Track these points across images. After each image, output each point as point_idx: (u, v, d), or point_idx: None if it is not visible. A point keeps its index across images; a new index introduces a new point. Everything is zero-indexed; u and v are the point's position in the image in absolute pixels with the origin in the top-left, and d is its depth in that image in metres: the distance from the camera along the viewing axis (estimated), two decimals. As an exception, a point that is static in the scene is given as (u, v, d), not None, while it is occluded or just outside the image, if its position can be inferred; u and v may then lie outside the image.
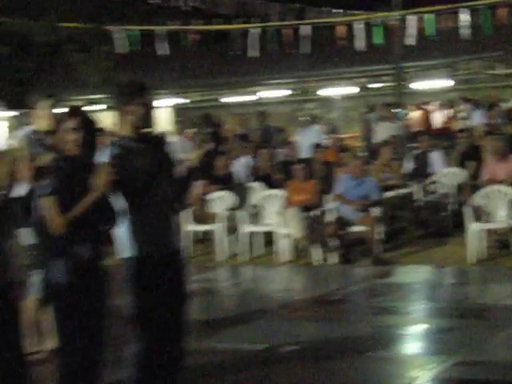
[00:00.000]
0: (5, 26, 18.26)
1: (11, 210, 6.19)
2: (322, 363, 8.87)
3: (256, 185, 16.64)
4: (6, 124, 26.03)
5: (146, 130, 7.05)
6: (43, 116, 9.21)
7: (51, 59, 20.00)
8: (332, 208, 14.82)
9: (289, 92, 31.09)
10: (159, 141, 7.34)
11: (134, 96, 6.81)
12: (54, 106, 9.33)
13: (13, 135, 10.21)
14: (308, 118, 21.84)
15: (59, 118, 7.00)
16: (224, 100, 32.58)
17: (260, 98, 31.28)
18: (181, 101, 33.02)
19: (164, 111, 32.84)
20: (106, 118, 19.11)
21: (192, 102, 32.34)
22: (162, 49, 18.99)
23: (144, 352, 6.80)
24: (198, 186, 16.20)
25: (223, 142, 21.66)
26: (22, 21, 18.26)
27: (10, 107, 19.93)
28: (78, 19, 18.84)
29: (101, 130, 15.39)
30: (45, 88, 11.77)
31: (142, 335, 6.78)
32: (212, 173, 17.33)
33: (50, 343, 8.26)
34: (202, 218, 16.09)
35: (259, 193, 16.08)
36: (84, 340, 6.52)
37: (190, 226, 15.80)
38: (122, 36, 18.64)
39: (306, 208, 14.79)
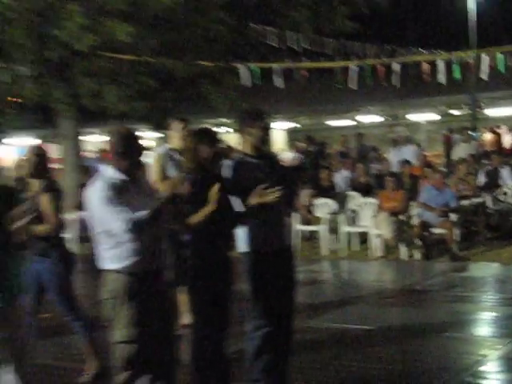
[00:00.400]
0: (154, 64, 18.74)
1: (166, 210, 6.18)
2: (407, 342, 8.88)
3: (353, 193, 16.65)
4: (153, 143, 26.76)
5: (264, 148, 7.13)
6: (176, 136, 9.28)
7: (189, 90, 20.30)
8: (417, 213, 14.88)
9: (382, 117, 31.21)
10: (273, 157, 7.52)
11: (254, 121, 6.96)
12: (185, 128, 9.26)
13: (153, 152, 10.50)
14: (403, 139, 21.82)
15: (192, 137, 6.95)
16: (328, 123, 32.75)
17: (358, 122, 31.15)
18: (292, 125, 33.33)
19: (279, 133, 33.31)
20: (231, 138, 19.46)
21: (302, 126, 32.53)
22: (278, 82, 19.04)
23: (261, 328, 6.91)
24: (305, 194, 16.62)
25: (326, 157, 22.05)
26: (167, 60, 18.59)
27: (156, 129, 20.39)
28: (211, 58, 19.07)
29: (227, 148, 15.66)
30: (183, 113, 12.14)
31: (259, 315, 6.94)
32: (317, 183, 17.54)
33: (186, 319, 8.35)
34: (309, 220, 16.24)
35: (356, 200, 16.13)
36: (213, 317, 6.65)
37: (298, 227, 15.92)
38: (245, 71, 18.86)
39: (395, 213, 14.85)
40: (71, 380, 8.13)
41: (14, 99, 20.86)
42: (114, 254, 5.86)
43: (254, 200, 6.52)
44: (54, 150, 31.94)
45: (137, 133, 6.62)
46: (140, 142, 6.19)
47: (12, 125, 21.88)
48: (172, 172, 8.93)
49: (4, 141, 33.25)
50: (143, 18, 18.12)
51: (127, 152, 5.92)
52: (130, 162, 5.96)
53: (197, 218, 6.45)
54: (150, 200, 6.01)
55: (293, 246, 7.79)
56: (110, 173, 5.97)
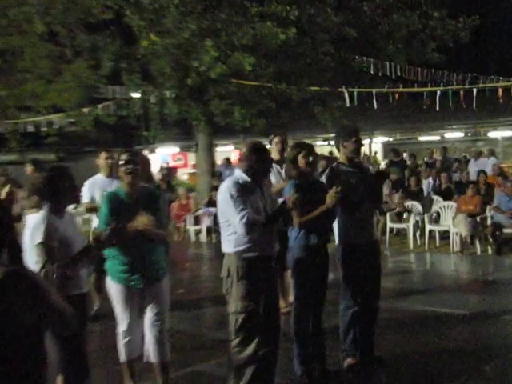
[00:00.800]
0: (272, 88, 19.14)
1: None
2: (480, 324, 8.88)
3: (437, 197, 16.76)
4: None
5: (356, 159, 7.32)
6: (275, 149, 9.36)
7: (302, 110, 20.56)
8: (490, 216, 14.83)
9: (463, 134, 30.83)
10: (363, 166, 7.65)
11: (349, 137, 7.11)
12: (279, 143, 9.40)
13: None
14: (486, 152, 21.57)
15: (292, 150, 7.10)
16: (419, 138, 32.46)
17: (443, 138, 30.88)
18: (387, 139, 33.31)
19: (377, 146, 33.31)
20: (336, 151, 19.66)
21: (395, 140, 32.40)
22: (376, 104, 18.92)
23: (351, 308, 7.10)
24: (396, 197, 16.81)
25: (416, 167, 22.27)
26: (284, 85, 18.89)
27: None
28: (320, 84, 19.25)
29: (329, 157, 15.85)
30: (297, 129, 12.33)
31: (349, 297, 7.12)
32: (407, 188, 17.77)
33: (290, 298, 8.59)
34: (399, 218, 16.53)
35: (439, 203, 16.16)
36: (310, 298, 6.87)
37: (390, 224, 16.22)
38: (348, 95, 19.20)
39: (472, 215, 14.73)
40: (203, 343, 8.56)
41: (161, 117, 21.69)
42: (231, 241, 6.06)
43: (330, 200, 6.55)
44: (191, 158, 32.78)
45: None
46: (267, 153, 6.32)
47: (158, 137, 22.50)
48: (273, 178, 8.96)
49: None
50: (264, 51, 18.44)
51: (252, 160, 6.09)
52: (255, 168, 6.10)
53: (310, 216, 6.65)
54: (269, 202, 6.26)
55: (379, 240, 8.00)
56: (237, 175, 6.20)
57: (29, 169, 8.67)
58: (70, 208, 5.97)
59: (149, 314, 6.23)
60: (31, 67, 26.03)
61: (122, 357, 6.30)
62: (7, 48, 26.03)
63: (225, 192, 6.07)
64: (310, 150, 6.98)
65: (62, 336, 4.23)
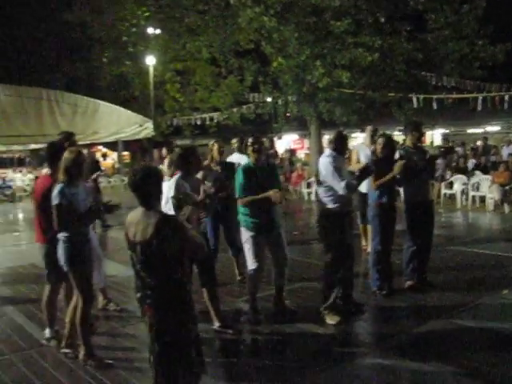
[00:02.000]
0: (363, 95, 18.96)
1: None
2: None
3: (477, 172, 16.14)
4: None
5: (418, 144, 7.21)
6: (367, 137, 8.99)
7: (383, 110, 20.27)
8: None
9: (499, 128, 29.89)
10: (424, 149, 7.40)
11: (414, 129, 7.12)
12: (373, 131, 8.86)
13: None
14: None
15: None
16: (466, 131, 31.65)
17: (485, 130, 29.78)
18: (444, 131, 32.46)
19: (436, 135, 32.69)
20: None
21: (450, 132, 31.64)
22: (434, 105, 18.97)
23: (411, 247, 7.07)
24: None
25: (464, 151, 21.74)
26: (371, 92, 18.83)
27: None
28: (397, 91, 18.91)
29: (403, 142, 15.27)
30: (379, 124, 12.06)
31: (410, 239, 7.07)
32: (456, 166, 17.23)
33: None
34: (450, 186, 16.11)
35: (479, 176, 15.55)
36: (384, 240, 6.85)
37: (443, 190, 15.79)
38: (416, 99, 18.90)
39: (502, 185, 14.28)
40: (308, 268, 8.64)
41: (285, 114, 21.85)
42: (327, 199, 6.04)
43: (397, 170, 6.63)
44: (306, 143, 32.98)
45: (353, 134, 7.02)
46: (346, 139, 6.29)
47: (283, 128, 22.78)
48: (362, 158, 8.81)
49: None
50: (356, 69, 18.21)
51: (338, 142, 6.09)
52: (340, 147, 6.10)
53: (383, 180, 6.69)
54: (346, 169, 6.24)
55: (433, 200, 7.84)
56: (328, 153, 6.16)
57: (164, 150, 8.66)
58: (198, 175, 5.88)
59: (273, 254, 6.20)
60: (200, 82, 26.68)
61: (251, 288, 6.18)
62: (185, 69, 26.74)
63: (325, 163, 6.03)
64: (389, 139, 7.04)
65: (198, 259, 4.24)
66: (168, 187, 5.19)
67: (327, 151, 6.27)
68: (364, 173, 6.04)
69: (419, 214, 7.01)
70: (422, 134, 7.41)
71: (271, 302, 6.41)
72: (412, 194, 7.05)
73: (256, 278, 6.12)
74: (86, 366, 4.93)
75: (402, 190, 7.25)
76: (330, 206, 6.04)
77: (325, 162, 6.05)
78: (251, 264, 6.06)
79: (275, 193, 5.78)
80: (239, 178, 5.99)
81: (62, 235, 4.95)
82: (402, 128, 25.02)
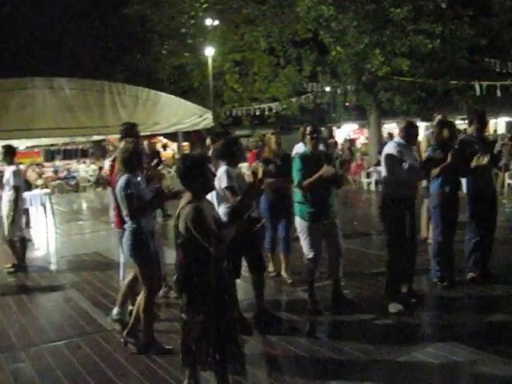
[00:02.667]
0: (423, 83, 18.58)
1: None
2: None
3: None
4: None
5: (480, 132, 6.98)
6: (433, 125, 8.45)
7: (444, 98, 20.01)
8: None
9: None
10: (485, 138, 7.32)
11: (477, 117, 6.95)
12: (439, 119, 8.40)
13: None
14: None
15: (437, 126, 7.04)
16: None
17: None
18: (509, 119, 31.52)
19: (501, 123, 31.72)
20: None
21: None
22: (498, 93, 18.39)
23: (473, 238, 6.92)
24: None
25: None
26: (431, 80, 18.41)
27: (424, 121, 20.18)
28: (458, 79, 18.63)
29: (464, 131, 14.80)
30: (439, 112, 11.81)
31: (473, 230, 6.93)
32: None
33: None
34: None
35: None
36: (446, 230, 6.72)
37: (507, 180, 15.21)
38: (479, 87, 18.39)
39: None
40: (368, 258, 8.58)
41: (344, 104, 21.65)
42: (389, 185, 6.07)
43: (473, 164, 6.49)
44: (365, 132, 32.62)
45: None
46: (416, 128, 6.21)
47: (342, 118, 22.59)
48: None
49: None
50: (416, 56, 18.01)
51: (407, 130, 6.05)
52: (408, 134, 6.06)
53: (440, 169, 6.47)
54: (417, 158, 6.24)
55: (496, 190, 7.71)
56: (396, 140, 6.22)
57: (208, 141, 8.55)
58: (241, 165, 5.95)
59: (329, 244, 6.18)
60: (258, 72, 26.70)
61: (308, 277, 6.16)
62: (243, 60, 26.83)
63: (388, 151, 6.06)
64: (451, 126, 6.89)
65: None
66: (217, 179, 5.27)
67: (396, 139, 6.31)
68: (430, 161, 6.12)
69: (482, 204, 6.88)
70: (486, 124, 7.21)
71: (330, 292, 6.40)
72: (474, 183, 6.92)
73: (313, 267, 6.12)
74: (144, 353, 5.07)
75: (464, 180, 7.11)
76: (391, 191, 6.05)
77: (389, 147, 6.09)
78: (308, 253, 6.06)
79: (326, 168, 5.78)
80: (296, 165, 6.02)
81: (129, 225, 5.04)
82: (464, 117, 24.38)
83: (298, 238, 6.28)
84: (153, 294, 5.12)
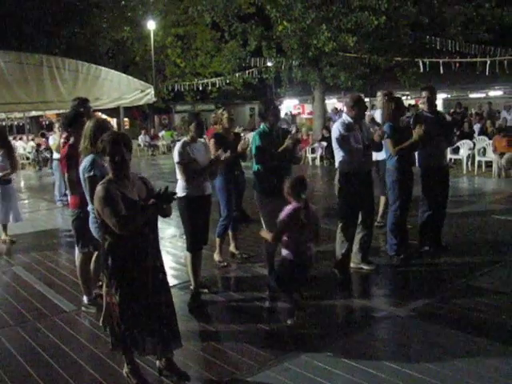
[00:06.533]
0: (366, 59, 18.83)
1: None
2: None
3: (483, 137, 15.76)
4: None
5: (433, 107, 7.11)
6: (379, 100, 8.69)
7: (387, 74, 20.36)
8: None
9: (502, 92, 29.71)
10: (439, 113, 7.43)
11: (425, 91, 7.12)
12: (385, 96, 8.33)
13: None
14: None
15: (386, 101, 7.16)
16: (470, 95, 31.41)
17: (487, 95, 29.77)
18: (446, 96, 32.25)
19: (439, 101, 32.37)
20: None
21: (452, 96, 31.41)
22: (441, 70, 18.74)
23: (426, 211, 7.09)
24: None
25: (468, 116, 21.52)
26: (375, 56, 18.62)
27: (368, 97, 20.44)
28: (401, 55, 18.97)
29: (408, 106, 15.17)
30: (383, 88, 11.86)
31: (425, 204, 7.10)
32: (462, 131, 17.09)
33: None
34: (455, 151, 16.04)
35: (485, 141, 15.30)
36: (401, 204, 6.85)
37: (449, 155, 15.25)
38: (422, 64, 18.79)
39: (502, 154, 14.07)
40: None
41: (289, 79, 21.64)
42: (339, 161, 6.21)
43: (414, 137, 6.61)
44: (306, 108, 32.89)
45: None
46: (364, 103, 6.31)
47: (285, 93, 22.57)
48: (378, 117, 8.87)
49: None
50: (362, 32, 18.15)
51: (354, 106, 6.13)
52: (356, 112, 6.14)
53: (402, 147, 6.63)
54: (365, 135, 6.21)
55: (448, 165, 7.89)
56: (344, 118, 6.27)
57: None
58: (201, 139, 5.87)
59: None
60: (201, 47, 26.40)
61: (268, 253, 6.10)
62: (185, 34, 26.42)
63: (336, 129, 6.18)
64: (399, 101, 7.01)
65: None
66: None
67: (343, 116, 6.36)
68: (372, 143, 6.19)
69: (434, 178, 7.01)
70: (435, 99, 7.30)
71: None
72: (427, 158, 7.03)
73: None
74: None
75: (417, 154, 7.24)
76: (340, 166, 6.22)
77: (335, 129, 6.20)
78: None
79: (289, 139, 5.79)
80: (256, 142, 5.96)
81: (92, 208, 4.85)
82: (405, 93, 24.89)
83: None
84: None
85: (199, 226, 5.64)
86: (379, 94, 8.74)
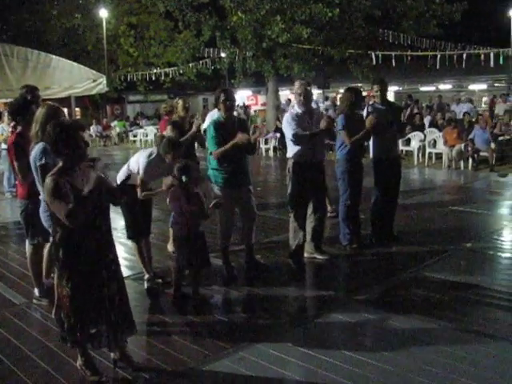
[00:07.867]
0: (321, 50, 19.00)
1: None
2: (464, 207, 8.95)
3: (433, 129, 16.07)
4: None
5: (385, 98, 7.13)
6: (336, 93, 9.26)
7: (340, 66, 20.59)
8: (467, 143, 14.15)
9: (451, 86, 30.31)
10: (392, 104, 7.50)
11: (378, 84, 7.11)
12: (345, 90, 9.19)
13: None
14: (463, 99, 21.57)
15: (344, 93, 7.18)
16: (421, 89, 31.84)
17: (438, 88, 30.25)
18: (397, 88, 32.72)
19: (391, 93, 32.79)
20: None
21: (403, 89, 31.88)
22: (393, 63, 19.07)
23: (378, 198, 7.18)
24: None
25: (419, 108, 21.88)
26: (329, 48, 18.77)
27: (320, 88, 20.61)
28: (355, 48, 19.14)
29: (364, 97, 15.36)
30: (337, 80, 11.75)
31: (378, 191, 7.17)
32: (413, 123, 17.36)
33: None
34: (407, 143, 16.37)
35: (435, 134, 15.57)
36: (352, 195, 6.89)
37: (401, 147, 15.51)
38: (375, 56, 19.08)
39: (452, 146, 14.38)
40: (269, 221, 8.72)
41: (243, 70, 21.56)
42: (290, 150, 6.30)
43: (369, 126, 6.69)
44: (260, 99, 32.91)
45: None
46: (311, 94, 6.39)
47: (239, 84, 22.50)
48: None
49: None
50: (316, 24, 18.25)
51: (302, 95, 6.17)
52: (305, 102, 6.21)
53: (356, 137, 6.65)
54: (315, 125, 6.20)
55: (400, 157, 7.99)
56: (295, 108, 6.33)
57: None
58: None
59: (243, 210, 6.20)
60: (154, 36, 26.07)
61: (222, 244, 6.18)
62: (138, 23, 26.06)
63: (286, 119, 6.27)
64: (357, 92, 7.03)
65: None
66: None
67: (295, 107, 6.40)
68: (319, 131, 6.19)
69: (387, 169, 7.08)
70: (385, 89, 7.30)
71: (243, 258, 6.47)
72: (380, 149, 7.11)
73: (226, 233, 6.16)
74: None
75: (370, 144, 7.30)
76: (291, 155, 6.27)
77: (286, 116, 6.32)
78: (222, 218, 6.09)
79: (241, 136, 5.74)
80: (210, 132, 5.91)
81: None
82: (358, 85, 25.19)
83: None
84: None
85: (139, 214, 5.64)
86: (297, 83, 8.83)
